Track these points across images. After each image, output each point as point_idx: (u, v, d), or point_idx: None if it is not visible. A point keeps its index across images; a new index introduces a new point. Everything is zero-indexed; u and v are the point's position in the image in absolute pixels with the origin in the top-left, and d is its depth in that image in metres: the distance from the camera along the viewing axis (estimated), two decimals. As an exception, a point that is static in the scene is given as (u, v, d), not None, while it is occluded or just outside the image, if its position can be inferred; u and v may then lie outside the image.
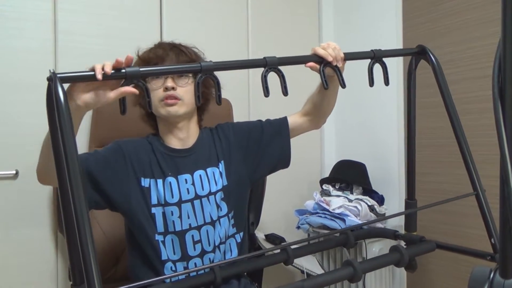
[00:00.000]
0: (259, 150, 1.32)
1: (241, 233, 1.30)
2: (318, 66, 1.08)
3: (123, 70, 0.89)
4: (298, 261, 1.83)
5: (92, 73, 0.87)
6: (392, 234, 1.40)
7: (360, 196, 1.97)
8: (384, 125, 2.14)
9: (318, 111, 1.34)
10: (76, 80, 0.86)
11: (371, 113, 2.20)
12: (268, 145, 1.33)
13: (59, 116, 0.74)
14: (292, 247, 1.23)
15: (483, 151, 1.75)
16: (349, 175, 2.07)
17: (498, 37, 0.54)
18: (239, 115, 1.72)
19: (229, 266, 1.19)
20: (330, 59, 1.08)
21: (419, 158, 2.01)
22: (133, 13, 1.83)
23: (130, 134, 1.38)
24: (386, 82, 1.15)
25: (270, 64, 0.98)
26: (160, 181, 1.19)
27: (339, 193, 2.00)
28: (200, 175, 1.23)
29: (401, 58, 2.06)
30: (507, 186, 0.51)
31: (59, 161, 0.76)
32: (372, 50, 1.13)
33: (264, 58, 0.98)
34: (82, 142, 1.66)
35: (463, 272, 1.81)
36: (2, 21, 1.58)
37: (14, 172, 1.58)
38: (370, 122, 2.22)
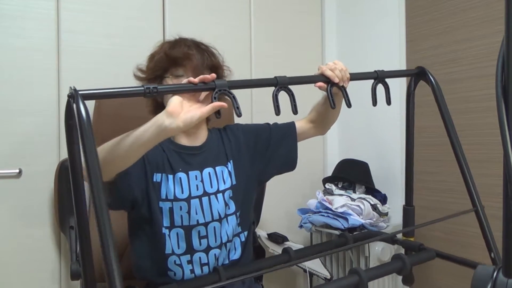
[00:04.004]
0: (267, 152, 1.34)
1: (245, 233, 1.31)
2: (326, 86, 1.13)
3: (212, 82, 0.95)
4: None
5: (114, 90, 0.86)
6: (390, 239, 1.43)
7: (363, 195, 1.97)
8: (387, 124, 2.14)
9: (323, 120, 1.37)
10: (98, 97, 0.84)
11: (374, 112, 2.19)
12: (276, 148, 1.35)
13: (82, 134, 0.73)
14: (294, 249, 1.26)
15: (486, 150, 1.75)
16: (352, 174, 2.07)
17: (501, 36, 0.53)
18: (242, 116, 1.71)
19: (234, 269, 1.19)
20: (336, 80, 1.13)
21: (420, 157, 2.01)
22: (135, 12, 1.83)
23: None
24: (388, 102, 1.20)
25: (281, 84, 1.02)
26: (170, 177, 1.20)
27: (342, 192, 2.00)
28: (209, 173, 1.24)
29: (403, 55, 2.06)
30: (511, 185, 0.51)
31: (75, 176, 0.78)
32: (375, 71, 1.18)
33: (275, 77, 1.02)
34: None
35: (466, 271, 1.81)
36: (5, 20, 1.58)
37: (17, 171, 1.59)
38: (373, 121, 2.22)
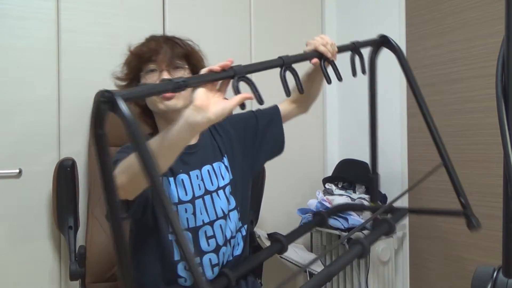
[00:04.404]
0: (256, 140, 1.34)
1: (245, 226, 1.31)
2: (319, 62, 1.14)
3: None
4: (302, 261, 1.83)
5: (144, 88, 0.79)
6: (360, 207, 1.59)
7: (363, 195, 1.97)
8: (387, 124, 2.14)
9: (306, 98, 1.37)
10: (134, 97, 0.75)
11: (374, 112, 2.20)
12: (264, 135, 1.35)
13: (136, 141, 0.63)
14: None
15: (487, 150, 1.75)
16: (352, 174, 2.07)
17: (501, 36, 0.53)
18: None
19: (238, 266, 1.18)
20: (329, 55, 1.14)
21: (420, 157, 2.01)
22: (135, 12, 1.83)
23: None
24: (363, 71, 1.24)
25: (287, 63, 1.02)
26: (171, 179, 1.18)
27: (342, 192, 1.99)
28: (208, 170, 1.23)
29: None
30: (511, 185, 0.51)
31: (109, 193, 0.67)
32: (353, 43, 1.22)
33: (281, 57, 1.02)
34: (80, 141, 1.67)
35: (467, 271, 1.81)
36: (6, 20, 1.58)
37: (17, 171, 1.59)
38: (373, 121, 2.22)
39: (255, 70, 1.00)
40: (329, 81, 1.11)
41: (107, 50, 1.76)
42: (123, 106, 0.64)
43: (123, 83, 1.27)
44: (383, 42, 1.34)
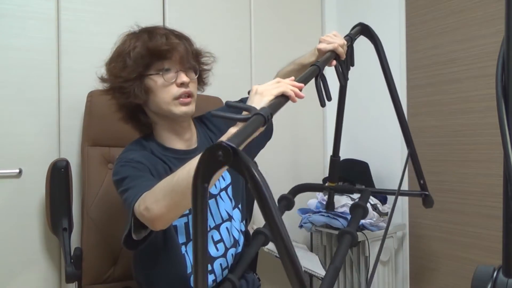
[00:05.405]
0: None
1: (244, 221, 1.31)
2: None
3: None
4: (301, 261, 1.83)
5: (248, 126, 0.73)
6: (320, 187, 1.73)
7: (363, 195, 1.97)
8: (387, 124, 2.14)
9: None
10: (244, 140, 0.69)
11: (374, 112, 2.20)
12: None
13: (262, 198, 0.57)
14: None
15: (487, 150, 1.75)
16: (352, 174, 2.07)
17: (501, 36, 0.53)
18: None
19: (237, 266, 1.18)
20: (344, 57, 1.16)
21: (420, 157, 2.01)
22: (136, 11, 1.83)
23: (122, 133, 1.36)
24: (352, 64, 1.31)
25: (322, 69, 0.99)
26: None
27: (342, 192, 2.00)
28: None
29: (404, 55, 2.05)
30: (511, 185, 0.51)
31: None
32: (349, 35, 1.31)
33: (316, 65, 0.97)
34: (73, 142, 1.66)
35: (467, 271, 1.81)
36: (5, 20, 1.58)
37: (17, 171, 1.59)
38: (373, 121, 2.22)
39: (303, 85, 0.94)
40: (344, 82, 1.12)
41: (107, 50, 1.76)
42: (245, 157, 0.56)
43: (117, 79, 1.16)
44: (362, 30, 1.42)
